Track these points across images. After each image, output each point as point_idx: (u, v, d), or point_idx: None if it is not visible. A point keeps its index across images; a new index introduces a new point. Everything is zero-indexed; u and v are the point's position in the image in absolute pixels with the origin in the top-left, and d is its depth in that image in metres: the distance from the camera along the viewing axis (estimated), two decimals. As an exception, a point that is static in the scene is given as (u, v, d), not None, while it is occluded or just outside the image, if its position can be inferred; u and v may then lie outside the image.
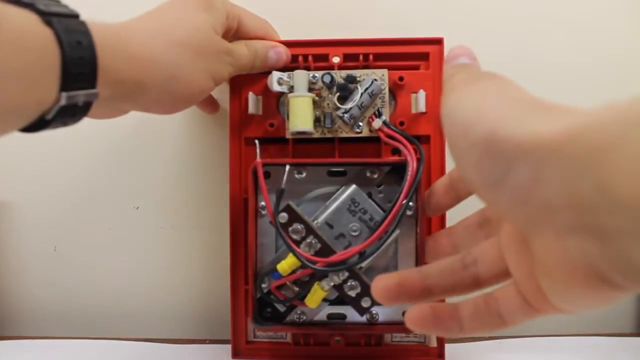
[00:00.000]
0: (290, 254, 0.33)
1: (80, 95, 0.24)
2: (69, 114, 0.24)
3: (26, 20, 0.22)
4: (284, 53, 0.37)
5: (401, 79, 0.37)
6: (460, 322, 0.23)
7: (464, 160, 0.20)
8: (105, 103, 0.26)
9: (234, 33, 0.35)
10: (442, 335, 0.23)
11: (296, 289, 0.35)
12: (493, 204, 0.19)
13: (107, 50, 0.25)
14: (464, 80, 0.22)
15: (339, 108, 0.36)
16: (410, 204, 0.35)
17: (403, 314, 0.37)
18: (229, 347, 0.39)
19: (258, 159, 0.35)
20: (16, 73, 0.21)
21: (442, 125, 0.21)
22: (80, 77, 0.23)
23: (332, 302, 0.36)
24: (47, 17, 0.23)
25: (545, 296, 0.19)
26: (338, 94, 0.36)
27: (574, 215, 0.15)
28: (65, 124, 0.25)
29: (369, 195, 0.36)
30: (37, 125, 0.24)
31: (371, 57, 0.37)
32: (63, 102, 0.23)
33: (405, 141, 0.35)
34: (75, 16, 0.24)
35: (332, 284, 0.34)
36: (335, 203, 0.36)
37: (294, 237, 0.34)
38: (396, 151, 0.37)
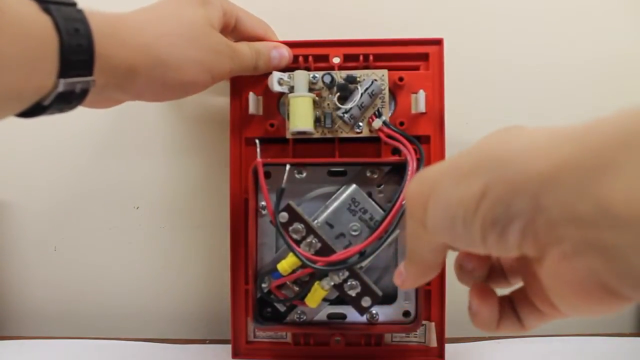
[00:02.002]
0: (291, 254, 0.33)
1: (78, 82, 0.24)
2: (66, 101, 0.25)
3: (26, 7, 0.22)
4: (287, 52, 0.37)
5: (401, 79, 0.37)
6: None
7: (467, 233, 0.19)
8: (99, 91, 0.26)
9: (233, 31, 0.35)
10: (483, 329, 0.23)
11: (296, 288, 0.35)
12: (502, 251, 0.18)
13: (103, 38, 0.25)
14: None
15: (339, 108, 0.36)
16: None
17: (403, 314, 0.37)
18: (229, 347, 0.39)
19: (258, 159, 0.35)
20: (16, 59, 0.21)
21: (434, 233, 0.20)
22: (78, 64, 0.24)
23: (332, 302, 0.36)
24: (46, 5, 0.23)
25: (555, 306, 0.19)
26: (338, 94, 0.36)
27: (579, 237, 0.15)
28: (61, 110, 0.25)
29: (369, 195, 0.36)
30: (34, 110, 0.24)
31: (371, 57, 0.37)
32: (61, 88, 0.23)
33: (405, 141, 0.35)
34: (72, 4, 0.25)
35: (332, 283, 0.34)
36: (335, 203, 0.36)
37: (294, 236, 0.34)
38: (396, 151, 0.37)
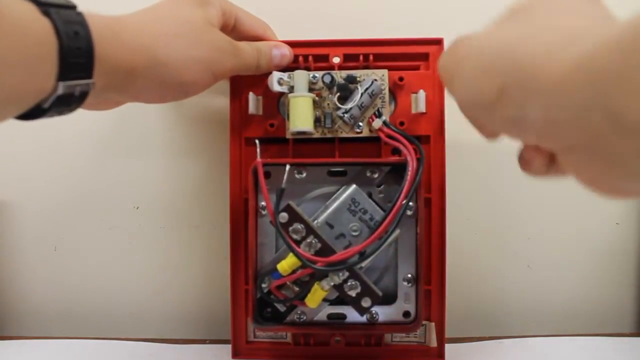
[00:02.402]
0: (291, 254, 0.33)
1: (77, 85, 0.24)
2: (65, 104, 0.25)
3: (25, 10, 0.22)
4: (287, 51, 0.37)
5: (401, 79, 0.37)
6: None
7: (489, 122, 0.21)
8: (98, 93, 0.26)
9: (232, 31, 0.35)
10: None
11: (296, 288, 0.35)
12: (523, 141, 0.21)
13: (102, 41, 0.25)
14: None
15: (339, 108, 0.36)
16: (410, 203, 0.35)
17: (403, 314, 0.37)
18: (229, 347, 0.39)
19: (258, 159, 0.35)
20: (16, 62, 0.21)
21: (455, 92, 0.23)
22: (77, 67, 0.24)
23: (332, 302, 0.36)
24: (45, 8, 0.23)
25: None
26: (338, 94, 0.36)
27: (587, 149, 0.17)
28: (60, 113, 0.25)
29: (369, 195, 0.36)
30: (34, 113, 0.24)
31: (371, 57, 0.37)
32: (60, 91, 0.23)
33: (405, 141, 0.35)
34: (72, 7, 0.25)
35: (332, 283, 0.34)
36: (335, 203, 0.36)
37: (294, 236, 0.34)
38: (396, 151, 0.37)
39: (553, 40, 0.17)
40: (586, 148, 0.17)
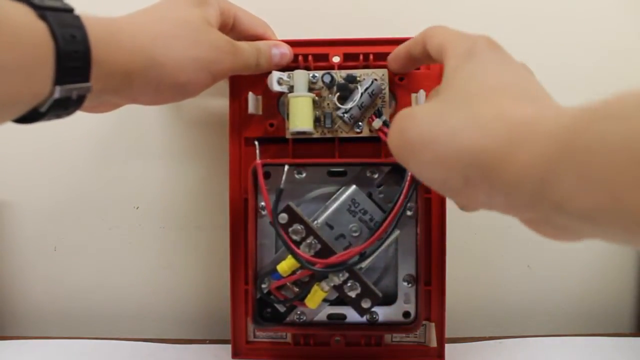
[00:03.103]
0: (290, 255, 0.33)
1: (74, 88, 0.24)
2: (63, 107, 0.24)
3: (21, 14, 0.22)
4: (287, 50, 0.37)
5: (401, 79, 0.37)
6: None
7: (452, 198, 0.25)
8: (96, 96, 0.26)
9: (231, 30, 0.35)
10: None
11: (296, 289, 0.35)
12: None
13: (100, 43, 0.25)
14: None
15: (339, 108, 0.36)
16: (410, 204, 0.35)
17: (403, 314, 0.37)
18: (229, 347, 0.39)
19: (258, 159, 0.35)
20: (12, 66, 0.21)
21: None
22: (74, 70, 0.24)
23: (332, 303, 0.36)
24: (42, 11, 0.23)
25: None
26: (338, 93, 0.36)
27: (537, 218, 0.21)
28: (58, 116, 0.25)
29: (369, 195, 0.36)
30: (31, 117, 0.24)
31: (371, 56, 0.37)
32: (57, 95, 0.23)
33: (405, 141, 0.35)
34: (69, 10, 0.24)
35: (332, 284, 0.34)
36: (335, 203, 0.36)
37: (294, 237, 0.34)
38: (396, 151, 0.36)
39: (506, 138, 0.20)
40: (540, 220, 0.21)
